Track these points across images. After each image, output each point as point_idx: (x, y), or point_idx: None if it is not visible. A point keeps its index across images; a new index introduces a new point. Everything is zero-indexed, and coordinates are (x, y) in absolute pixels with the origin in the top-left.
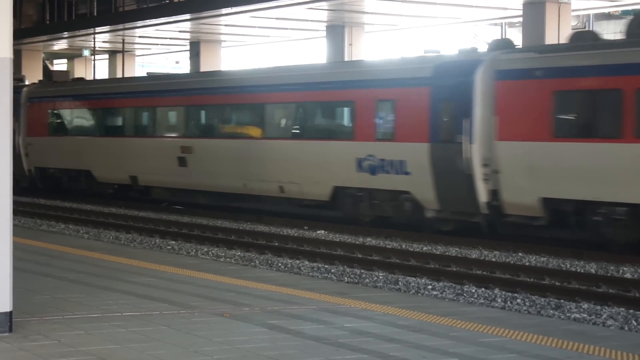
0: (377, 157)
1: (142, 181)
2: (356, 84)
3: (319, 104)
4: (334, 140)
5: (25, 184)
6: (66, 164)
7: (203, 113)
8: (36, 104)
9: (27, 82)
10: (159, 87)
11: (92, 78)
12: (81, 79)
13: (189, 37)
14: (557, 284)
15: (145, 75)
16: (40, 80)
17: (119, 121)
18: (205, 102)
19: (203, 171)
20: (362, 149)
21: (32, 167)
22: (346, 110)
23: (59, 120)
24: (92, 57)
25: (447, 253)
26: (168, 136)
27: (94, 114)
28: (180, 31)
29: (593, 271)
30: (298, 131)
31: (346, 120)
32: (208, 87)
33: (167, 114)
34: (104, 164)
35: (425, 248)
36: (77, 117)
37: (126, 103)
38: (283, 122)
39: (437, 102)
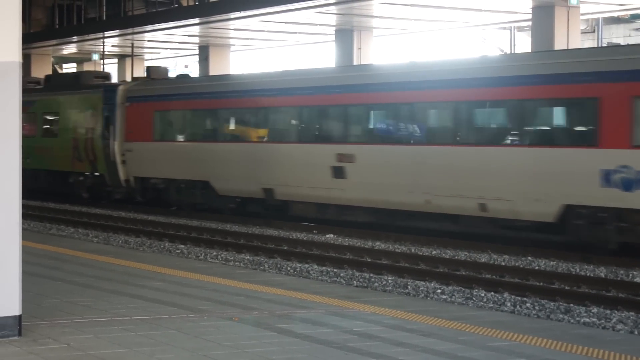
0: (633, 169)
1: (279, 195)
2: (603, 76)
3: (545, 102)
4: (566, 148)
5: (120, 195)
6: (177, 173)
7: (372, 114)
8: (138, 105)
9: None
10: (306, 83)
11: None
12: (186, 76)
13: (198, 41)
14: (566, 288)
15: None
16: (134, 78)
17: (250, 124)
18: (377, 100)
19: (367, 183)
20: (611, 158)
21: (130, 177)
22: (586, 109)
23: (168, 123)
24: (101, 61)
25: (456, 257)
26: (319, 142)
27: (215, 116)
28: (189, 35)
29: (602, 275)
30: (513, 135)
31: (586, 122)
32: (382, 82)
33: (317, 116)
34: (227, 174)
35: (434, 252)
36: (193, 119)
37: (261, 102)
38: (490, 123)
39: None
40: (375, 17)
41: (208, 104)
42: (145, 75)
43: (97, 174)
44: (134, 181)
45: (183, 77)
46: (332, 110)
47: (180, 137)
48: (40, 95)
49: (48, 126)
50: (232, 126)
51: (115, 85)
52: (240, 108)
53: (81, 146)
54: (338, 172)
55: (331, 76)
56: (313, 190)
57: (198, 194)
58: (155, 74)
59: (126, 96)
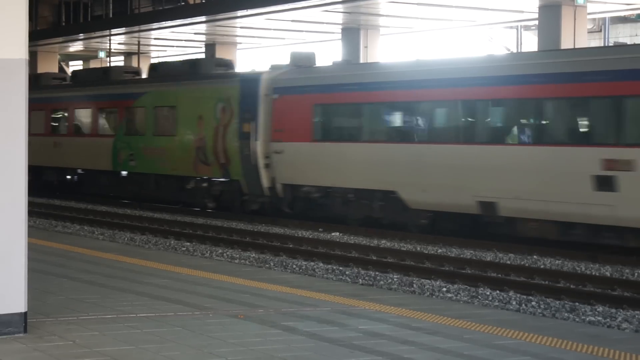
0: None
1: (504, 210)
2: None
3: None
4: None
5: (257, 206)
6: (345, 180)
7: None
8: (291, 97)
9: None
10: (557, 68)
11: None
12: (357, 62)
13: (204, 39)
14: (572, 286)
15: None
16: (273, 65)
17: (463, 120)
18: None
19: None
20: None
21: (277, 184)
22: None
23: (335, 120)
24: (108, 58)
25: (461, 255)
26: (573, 144)
27: (411, 110)
28: (195, 33)
29: (608, 274)
30: None
31: None
32: None
33: (570, 110)
34: (425, 183)
35: (440, 250)
36: (376, 114)
37: (483, 93)
38: None
39: None
40: (382, 15)
41: (401, 96)
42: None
43: (228, 179)
44: (282, 189)
45: (357, 64)
46: (590, 102)
47: (354, 137)
48: (149, 86)
49: (162, 123)
50: (436, 123)
51: (257, 74)
52: (453, 100)
53: (208, 147)
54: (604, 183)
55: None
56: (559, 206)
57: (376, 206)
58: (302, 61)
59: (273, 87)
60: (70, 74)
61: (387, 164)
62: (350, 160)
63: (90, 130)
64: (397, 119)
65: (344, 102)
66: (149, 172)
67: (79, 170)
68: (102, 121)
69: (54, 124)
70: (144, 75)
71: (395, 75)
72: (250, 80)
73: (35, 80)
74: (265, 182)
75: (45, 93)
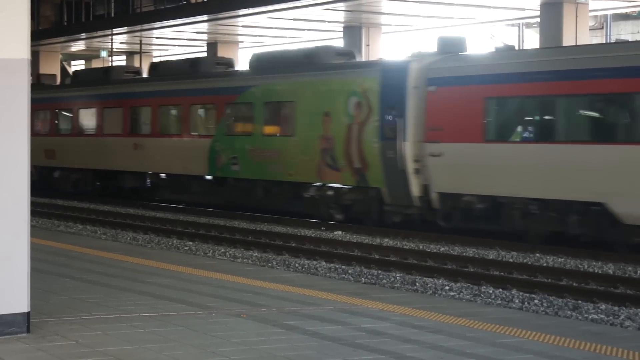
0: None
1: None
2: None
3: None
4: None
5: (400, 218)
6: (528, 190)
7: None
8: (452, 89)
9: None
10: None
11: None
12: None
13: (206, 38)
14: (574, 284)
15: None
16: (416, 53)
17: None
18: None
19: None
20: None
21: (432, 192)
22: None
23: (518, 116)
24: (110, 58)
25: (464, 254)
26: None
27: (625, 105)
28: (197, 32)
29: (611, 272)
30: None
31: None
32: None
33: None
34: None
35: (442, 249)
36: (573, 109)
37: None
38: None
39: None
40: (384, 13)
41: (618, 86)
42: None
43: (364, 186)
44: (438, 199)
45: (550, 48)
46: None
47: (543, 136)
48: (257, 79)
49: (275, 121)
50: None
51: (404, 62)
52: None
53: (338, 149)
54: None
55: None
56: None
57: (572, 220)
58: (452, 47)
59: (426, 77)
60: (149, 66)
61: (592, 170)
62: (536, 164)
63: (179, 130)
64: (609, 114)
65: (530, 95)
66: (257, 178)
67: (162, 175)
68: (196, 119)
69: (134, 124)
70: (238, 67)
71: (611, 61)
72: (395, 70)
73: (105, 75)
74: (415, 190)
75: (119, 88)
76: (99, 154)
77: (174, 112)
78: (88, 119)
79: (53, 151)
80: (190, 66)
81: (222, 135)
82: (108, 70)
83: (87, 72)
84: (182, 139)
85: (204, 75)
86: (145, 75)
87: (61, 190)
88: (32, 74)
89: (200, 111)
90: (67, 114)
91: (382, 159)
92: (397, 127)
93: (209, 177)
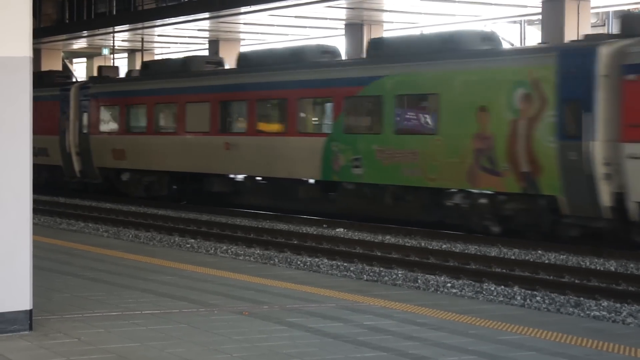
0: None
1: None
2: None
3: None
4: None
5: (579, 232)
6: None
7: None
8: None
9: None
10: None
11: None
12: None
13: (207, 36)
14: (576, 281)
15: None
16: (591, 35)
17: None
18: None
19: None
20: None
21: (629, 202)
22: None
23: None
24: (112, 56)
25: (466, 251)
26: None
27: None
28: (199, 30)
29: (613, 269)
30: None
31: None
32: None
33: None
34: None
35: (444, 246)
36: None
37: None
38: None
39: None
40: (386, 10)
41: None
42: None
43: (533, 194)
44: (638, 210)
45: None
46: None
47: None
48: (387, 68)
49: (411, 116)
50: None
51: (590, 46)
52: None
53: (499, 149)
54: None
55: None
56: None
57: None
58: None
59: (621, 64)
60: (238, 56)
61: None
62: None
63: (283, 128)
64: None
65: None
66: (385, 183)
67: (258, 178)
68: (305, 115)
69: (226, 120)
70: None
71: None
72: (578, 56)
73: (184, 66)
74: (604, 199)
75: (206, 80)
76: (179, 154)
77: (276, 107)
78: (166, 115)
79: (122, 151)
80: (292, 55)
81: (341, 133)
82: (187, 61)
83: (160, 63)
84: (287, 138)
85: (313, 65)
86: (233, 65)
87: (131, 195)
88: (92, 67)
89: (312, 106)
90: (140, 110)
91: (560, 162)
92: (583, 123)
93: (311, 181)
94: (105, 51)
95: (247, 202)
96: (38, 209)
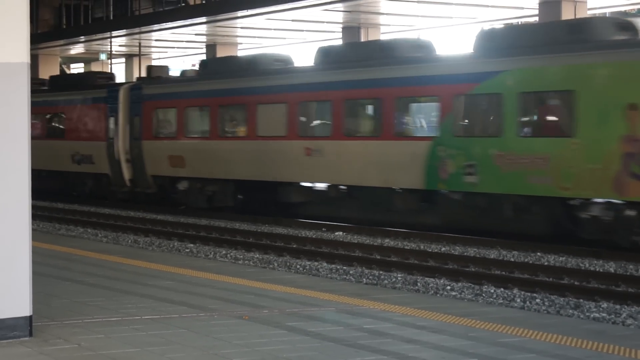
0: None
1: None
2: None
3: None
4: None
5: None
6: None
7: None
8: None
9: None
10: None
11: None
12: None
13: (205, 40)
14: (576, 283)
15: None
16: None
17: None
18: None
19: None
20: None
21: None
22: None
23: None
24: (109, 61)
25: (465, 253)
26: None
27: None
28: (196, 34)
29: (612, 270)
30: None
31: None
32: None
33: None
34: None
35: (443, 249)
36: None
37: None
38: None
39: None
40: (382, 14)
41: None
42: None
43: None
44: None
45: None
46: None
47: None
48: (508, 62)
49: (540, 117)
50: None
51: None
52: None
53: None
54: None
55: None
56: None
57: None
58: None
59: None
60: (317, 52)
61: None
62: None
63: (377, 131)
64: None
65: None
66: (506, 193)
67: (341, 187)
68: (404, 116)
69: (306, 123)
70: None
71: None
72: None
73: (250, 64)
74: None
75: (281, 79)
76: (248, 161)
77: (368, 107)
78: (232, 118)
79: (180, 158)
80: (382, 50)
81: (450, 136)
82: (254, 59)
83: (221, 61)
84: (381, 142)
85: (412, 60)
86: (305, 63)
87: (191, 205)
88: (139, 65)
89: (412, 105)
90: (201, 113)
91: None
92: None
93: (398, 190)
94: (103, 56)
95: (327, 212)
96: (37, 214)
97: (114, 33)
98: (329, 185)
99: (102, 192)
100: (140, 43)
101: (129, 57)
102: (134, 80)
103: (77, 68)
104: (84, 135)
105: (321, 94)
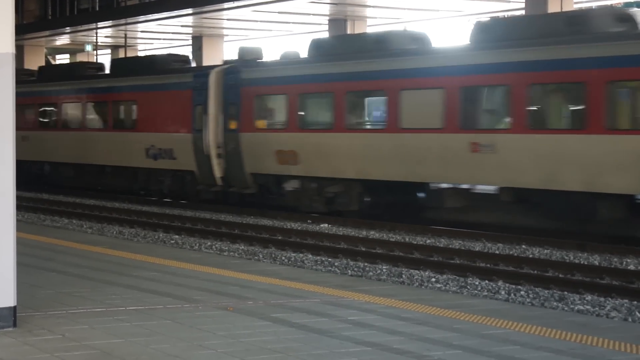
0: None
1: None
2: None
3: None
4: None
5: None
6: None
7: None
8: None
9: None
10: None
11: None
12: None
13: (191, 32)
14: (560, 276)
15: None
16: None
17: None
18: None
19: None
20: None
21: None
22: None
23: None
24: (95, 52)
25: (450, 246)
26: None
27: None
28: (182, 26)
29: (596, 263)
30: None
31: None
32: None
33: None
34: None
35: (428, 241)
36: None
37: None
38: None
39: None
40: (369, 6)
41: None
42: None
43: None
44: None
45: None
46: None
47: None
48: None
49: None
50: None
51: None
52: None
53: None
54: None
55: None
56: None
57: None
58: None
59: None
60: (474, 27)
61: None
62: None
63: (582, 122)
64: None
65: None
66: None
67: (518, 190)
68: (614, 105)
69: (473, 113)
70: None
71: None
72: None
73: (379, 43)
74: None
75: (430, 60)
76: (386, 157)
77: (569, 93)
78: (365, 106)
79: (293, 153)
80: (570, 25)
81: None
82: (385, 38)
83: (343, 40)
84: (588, 137)
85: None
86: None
87: (304, 209)
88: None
89: (622, 91)
90: (322, 100)
91: None
92: None
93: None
94: (88, 47)
95: (494, 220)
96: (21, 205)
97: (100, 24)
98: (500, 188)
99: (183, 192)
100: (126, 34)
101: (114, 48)
102: (223, 62)
103: (62, 59)
104: (163, 127)
105: (495, 78)
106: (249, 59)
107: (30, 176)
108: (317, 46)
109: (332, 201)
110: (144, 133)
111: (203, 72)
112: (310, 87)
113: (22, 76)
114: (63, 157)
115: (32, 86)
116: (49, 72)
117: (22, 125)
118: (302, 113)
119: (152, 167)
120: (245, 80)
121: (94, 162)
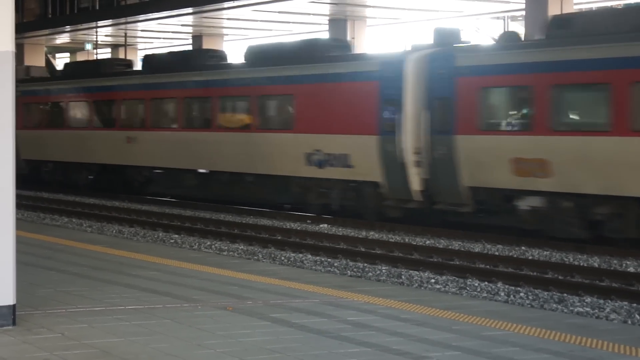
0: None
1: None
2: None
3: None
4: None
5: None
6: None
7: None
8: None
9: None
10: None
11: None
12: None
13: (191, 31)
14: (560, 277)
15: None
16: None
17: None
18: None
19: None
20: None
21: None
22: None
23: None
24: (95, 50)
25: (450, 247)
26: None
27: None
28: (182, 25)
29: (596, 265)
30: None
31: None
32: None
33: None
34: None
35: (428, 242)
36: None
37: None
38: None
39: None
40: (369, 6)
41: None
42: None
43: None
44: None
45: None
46: None
47: None
48: None
49: None
50: None
51: None
52: None
53: None
54: None
55: None
56: None
57: None
58: None
59: None
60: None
61: None
62: None
63: None
64: None
65: None
66: None
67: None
68: None
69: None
70: None
71: None
72: None
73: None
74: None
75: (519, 55)
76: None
77: None
78: (515, 104)
79: (541, 163)
80: None
81: None
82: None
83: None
84: None
85: None
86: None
87: (556, 234)
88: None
89: None
90: (592, 94)
91: None
92: None
93: None
94: (88, 46)
95: None
96: (21, 203)
97: (100, 23)
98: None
99: (360, 206)
100: (126, 33)
101: (114, 47)
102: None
103: (62, 58)
104: (333, 127)
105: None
106: (447, 42)
107: (128, 185)
108: (556, 24)
109: (599, 225)
110: (303, 134)
111: (396, 58)
112: (572, 76)
113: (118, 67)
114: (184, 163)
115: (136, 78)
116: (158, 61)
117: (125, 124)
118: (560, 110)
119: (316, 177)
120: (463, 69)
121: (227, 170)
